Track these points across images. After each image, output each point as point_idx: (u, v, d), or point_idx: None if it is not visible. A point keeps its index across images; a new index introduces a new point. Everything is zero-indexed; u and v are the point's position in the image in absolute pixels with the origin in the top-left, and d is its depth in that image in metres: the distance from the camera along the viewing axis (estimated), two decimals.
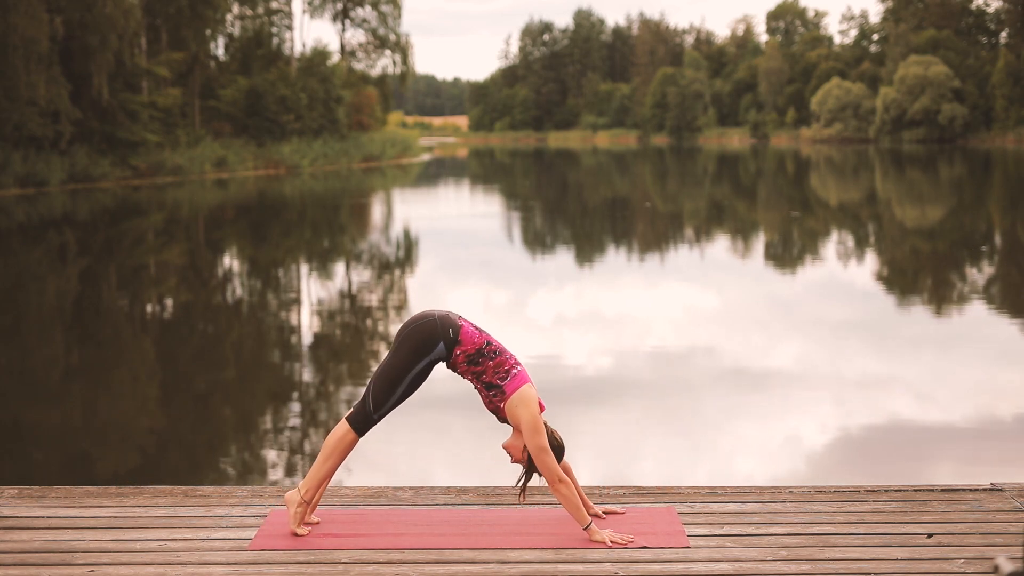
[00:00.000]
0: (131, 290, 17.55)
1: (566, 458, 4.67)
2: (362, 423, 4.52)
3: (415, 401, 9.21)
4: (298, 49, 61.75)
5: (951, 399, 9.52)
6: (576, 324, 13.62)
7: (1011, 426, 8.72)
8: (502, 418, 4.55)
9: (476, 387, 4.56)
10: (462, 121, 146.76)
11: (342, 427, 4.54)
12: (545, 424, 4.51)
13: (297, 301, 16.04)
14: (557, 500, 4.45)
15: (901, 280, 17.59)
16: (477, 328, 4.57)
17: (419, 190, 43.66)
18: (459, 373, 4.55)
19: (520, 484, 4.62)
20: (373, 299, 16.36)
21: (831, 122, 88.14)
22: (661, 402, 9.56)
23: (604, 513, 4.66)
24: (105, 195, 36.13)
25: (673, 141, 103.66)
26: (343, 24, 67.31)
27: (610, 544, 4.31)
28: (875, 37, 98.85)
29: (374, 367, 11.30)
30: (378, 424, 4.57)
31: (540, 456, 4.39)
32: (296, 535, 4.42)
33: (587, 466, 7.61)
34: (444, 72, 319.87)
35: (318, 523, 4.60)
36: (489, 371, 4.49)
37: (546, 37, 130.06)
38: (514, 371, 4.50)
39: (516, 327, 13.48)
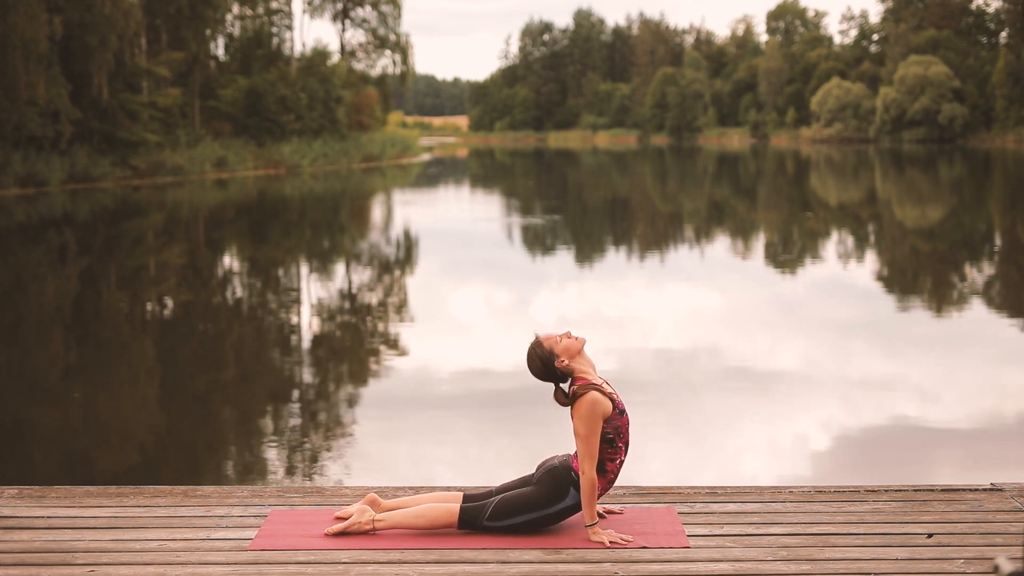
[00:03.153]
0: (131, 290, 17.55)
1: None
2: (468, 524, 4.49)
3: (416, 401, 9.23)
4: (298, 49, 61.76)
5: (951, 399, 9.52)
6: (578, 324, 13.61)
7: (1011, 426, 8.72)
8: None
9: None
10: (462, 121, 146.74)
11: (451, 513, 4.48)
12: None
13: (297, 301, 16.04)
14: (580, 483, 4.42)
15: (901, 280, 17.58)
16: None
17: (420, 190, 43.65)
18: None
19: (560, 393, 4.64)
20: (373, 299, 16.36)
21: (831, 122, 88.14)
22: (663, 402, 9.56)
23: (604, 512, 4.65)
24: (105, 195, 36.12)
25: (673, 141, 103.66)
26: (343, 24, 67.32)
27: (609, 545, 4.31)
28: (875, 37, 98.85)
29: (374, 367, 11.30)
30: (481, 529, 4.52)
31: (591, 439, 4.41)
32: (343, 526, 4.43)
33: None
34: (444, 72, 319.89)
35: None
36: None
37: (546, 37, 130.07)
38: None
39: (518, 328, 13.48)
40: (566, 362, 4.53)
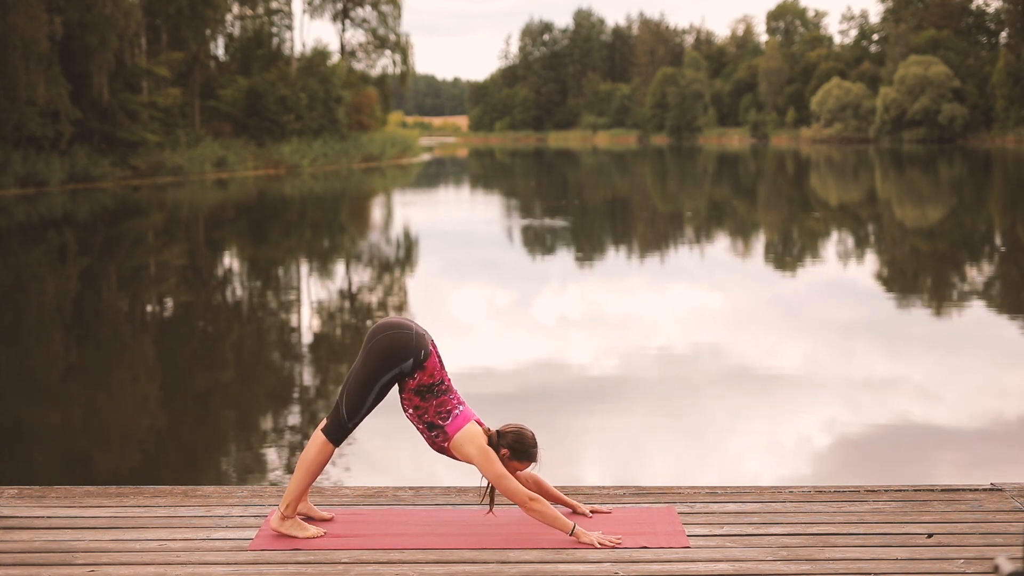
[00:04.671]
0: (131, 290, 17.55)
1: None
2: (337, 432, 4.47)
3: None
4: (298, 49, 61.80)
5: (951, 399, 9.52)
6: (580, 324, 13.62)
7: (1011, 426, 8.72)
8: (452, 457, 4.47)
9: (417, 427, 4.47)
10: (462, 121, 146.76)
11: (318, 439, 4.48)
12: (512, 431, 4.45)
13: (297, 301, 16.04)
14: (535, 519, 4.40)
15: (901, 280, 17.58)
16: (441, 362, 4.49)
17: (420, 191, 43.65)
18: (402, 399, 4.46)
19: (486, 493, 4.59)
20: (373, 299, 16.35)
21: (831, 122, 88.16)
22: (663, 402, 9.56)
23: (592, 512, 4.64)
24: (105, 195, 36.13)
25: (673, 141, 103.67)
26: (343, 24, 67.34)
27: (598, 545, 4.29)
28: (875, 37, 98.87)
29: None
30: (352, 432, 4.52)
31: (501, 484, 4.34)
32: (312, 538, 4.39)
33: (588, 466, 7.62)
34: (444, 72, 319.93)
35: (331, 519, 4.58)
36: (431, 410, 4.41)
37: (546, 37, 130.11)
38: (456, 411, 4.43)
39: (520, 328, 13.49)
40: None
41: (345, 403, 4.45)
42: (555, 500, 4.64)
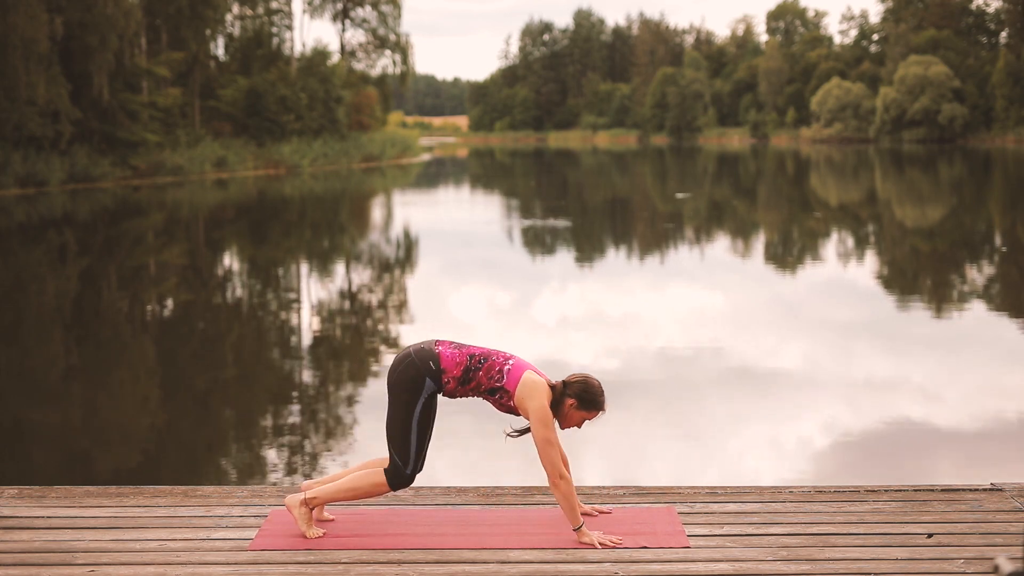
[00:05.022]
0: (131, 290, 17.55)
1: (568, 454, 4.63)
2: (396, 481, 4.47)
3: None
4: (298, 49, 61.79)
5: (951, 399, 9.52)
6: (580, 324, 13.62)
7: (1011, 426, 8.72)
8: (522, 415, 4.43)
9: (486, 400, 4.46)
10: (462, 121, 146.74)
11: (377, 477, 4.47)
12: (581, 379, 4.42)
13: (297, 301, 16.04)
14: (554, 496, 4.39)
15: (901, 280, 17.58)
16: (457, 346, 4.46)
17: (420, 191, 43.65)
18: (459, 396, 4.45)
19: (517, 430, 4.56)
20: (373, 299, 16.35)
21: (831, 122, 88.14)
22: (663, 402, 9.56)
23: (596, 512, 4.64)
24: (105, 195, 36.12)
25: (673, 141, 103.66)
26: (343, 24, 67.32)
27: (599, 546, 4.29)
28: (875, 37, 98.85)
29: (374, 368, 11.30)
30: (415, 478, 4.49)
31: (545, 449, 4.30)
32: (307, 537, 4.40)
33: (589, 466, 7.61)
34: (444, 72, 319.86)
35: (332, 520, 4.59)
36: (483, 381, 4.39)
37: (546, 37, 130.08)
38: (507, 366, 4.40)
39: (521, 328, 13.49)
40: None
41: (395, 450, 4.45)
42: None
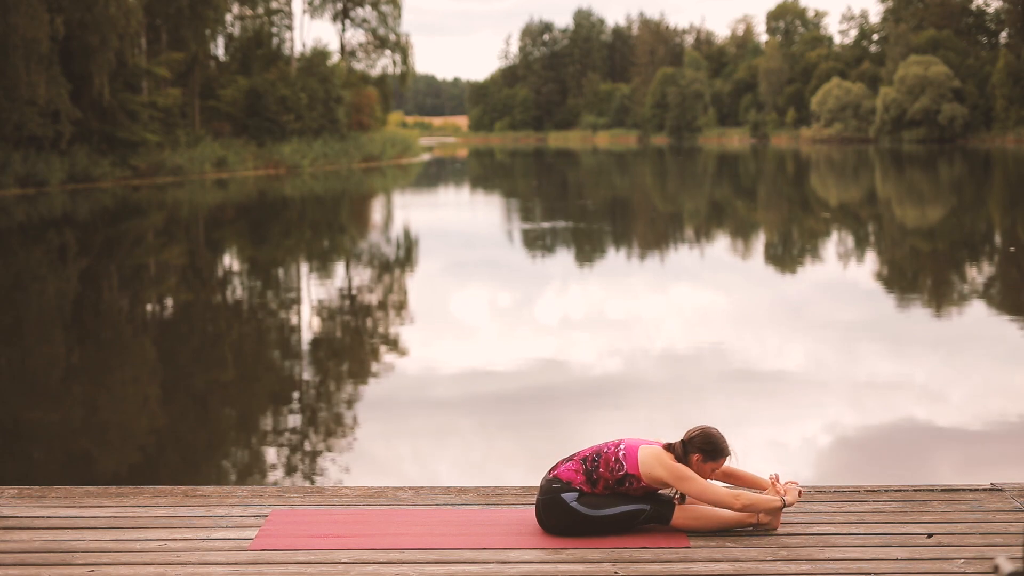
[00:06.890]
0: (131, 290, 17.54)
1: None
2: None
3: (416, 401, 9.22)
4: (298, 49, 61.77)
5: (952, 399, 9.52)
6: (582, 324, 13.61)
7: (1011, 426, 8.72)
8: (661, 488, 4.43)
9: (628, 493, 4.41)
10: (462, 121, 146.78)
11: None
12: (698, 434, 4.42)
13: (297, 301, 16.03)
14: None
15: (901, 280, 17.58)
16: (567, 458, 4.47)
17: (420, 191, 43.65)
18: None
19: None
20: (373, 299, 16.35)
21: (831, 122, 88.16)
22: (664, 402, 9.56)
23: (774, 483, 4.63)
24: (105, 195, 36.12)
25: (673, 141, 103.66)
26: (343, 24, 67.34)
27: (792, 501, 4.40)
28: (875, 37, 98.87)
29: (374, 368, 11.30)
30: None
31: (706, 496, 4.34)
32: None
33: None
34: (444, 72, 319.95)
35: None
36: (608, 476, 4.38)
37: (546, 37, 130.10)
38: (620, 452, 4.38)
39: (522, 328, 13.49)
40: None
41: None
42: (745, 481, 4.63)
